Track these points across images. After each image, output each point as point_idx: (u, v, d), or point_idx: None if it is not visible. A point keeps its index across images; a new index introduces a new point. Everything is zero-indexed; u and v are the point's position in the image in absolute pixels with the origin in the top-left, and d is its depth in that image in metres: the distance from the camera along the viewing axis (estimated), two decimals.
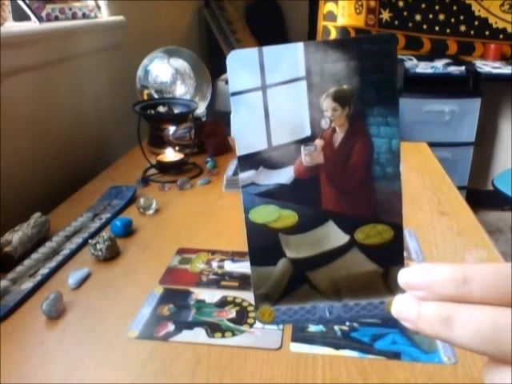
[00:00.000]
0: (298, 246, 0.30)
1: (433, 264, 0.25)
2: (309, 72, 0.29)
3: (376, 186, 0.30)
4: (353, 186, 0.30)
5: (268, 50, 0.29)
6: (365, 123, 0.30)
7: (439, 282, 0.24)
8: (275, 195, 0.30)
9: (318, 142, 0.30)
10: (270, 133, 0.30)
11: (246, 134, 0.30)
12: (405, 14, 2.77)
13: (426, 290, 0.25)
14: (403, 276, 0.26)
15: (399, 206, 0.29)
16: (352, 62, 0.29)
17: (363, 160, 0.30)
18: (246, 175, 0.30)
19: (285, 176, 0.30)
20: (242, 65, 0.29)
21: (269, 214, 0.30)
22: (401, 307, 0.26)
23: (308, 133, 0.30)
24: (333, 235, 0.30)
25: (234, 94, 0.29)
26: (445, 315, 0.24)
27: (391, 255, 0.29)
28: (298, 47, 0.29)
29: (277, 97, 0.30)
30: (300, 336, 0.65)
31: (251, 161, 0.30)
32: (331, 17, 2.77)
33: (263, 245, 0.30)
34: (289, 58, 0.29)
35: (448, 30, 2.79)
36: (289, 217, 0.30)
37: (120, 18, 1.51)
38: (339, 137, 0.30)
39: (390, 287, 0.29)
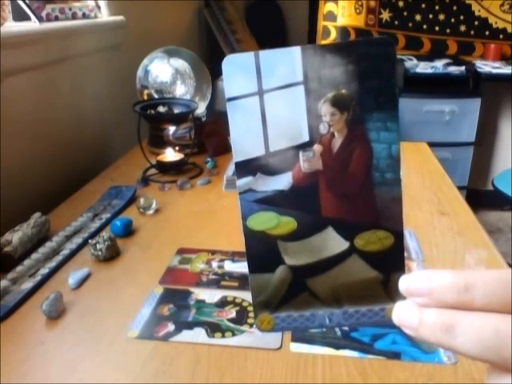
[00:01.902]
0: (297, 253, 0.30)
1: (434, 270, 0.25)
2: (306, 76, 0.29)
3: (376, 192, 0.29)
4: (352, 192, 0.30)
5: (264, 54, 0.28)
6: (364, 128, 0.29)
7: (441, 288, 0.24)
8: (273, 202, 0.30)
9: (317, 148, 0.29)
10: (268, 138, 0.30)
11: (243, 140, 0.29)
12: (405, 14, 2.77)
13: (428, 297, 0.24)
14: (404, 282, 0.26)
15: (399, 212, 0.29)
16: (350, 66, 0.28)
17: (363, 166, 0.29)
18: (243, 182, 0.30)
19: (283, 182, 0.30)
20: (237, 69, 0.28)
21: (267, 221, 0.30)
22: (402, 314, 0.26)
23: (306, 138, 0.29)
24: (332, 242, 0.30)
25: (230, 99, 0.29)
26: (446, 322, 0.24)
27: (392, 261, 0.29)
28: (295, 51, 0.28)
29: (274, 102, 0.29)
30: (300, 336, 0.65)
31: (248, 167, 0.29)
32: (331, 17, 2.77)
33: (262, 252, 0.30)
34: (286, 62, 0.28)
35: (448, 30, 2.79)
36: (288, 223, 0.30)
37: (120, 18, 1.51)
38: (338, 142, 0.29)
39: (391, 294, 0.28)
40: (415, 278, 0.25)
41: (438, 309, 0.24)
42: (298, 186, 0.30)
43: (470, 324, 0.23)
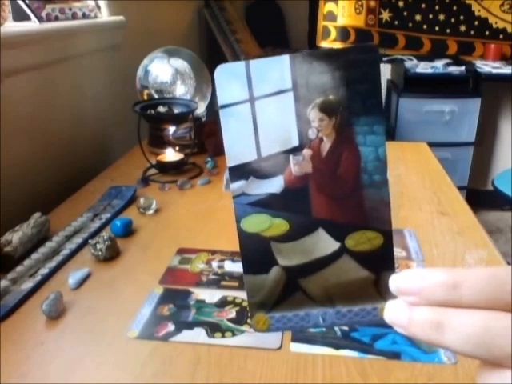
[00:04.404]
0: (289, 254, 0.31)
1: (424, 269, 0.25)
2: (295, 84, 0.30)
3: (364, 193, 0.30)
4: (342, 194, 0.31)
5: (255, 63, 0.29)
6: (352, 132, 0.30)
7: (429, 287, 0.24)
8: (266, 204, 0.31)
9: (306, 152, 0.30)
10: (259, 143, 0.31)
11: (236, 146, 0.30)
12: (405, 13, 2.77)
13: (417, 296, 0.25)
14: (394, 281, 0.26)
15: (388, 212, 0.30)
16: (337, 73, 0.29)
17: (351, 168, 0.30)
18: (236, 185, 0.31)
19: (275, 185, 0.31)
20: (229, 78, 0.30)
21: (260, 223, 0.31)
22: (393, 313, 0.26)
23: (296, 143, 0.30)
24: (324, 242, 0.31)
25: (222, 106, 0.30)
26: (436, 320, 0.24)
27: (382, 261, 0.30)
28: (284, 59, 0.29)
29: (265, 108, 0.30)
30: (300, 336, 0.65)
31: (242, 171, 0.31)
32: (331, 17, 2.77)
33: (256, 253, 0.31)
34: (275, 70, 0.30)
35: (448, 30, 2.79)
36: (280, 225, 0.31)
37: (120, 18, 1.51)
38: (327, 146, 0.30)
39: (382, 293, 0.29)
40: (405, 277, 0.26)
41: (427, 307, 0.24)
42: (290, 189, 0.31)
43: (460, 321, 0.23)
